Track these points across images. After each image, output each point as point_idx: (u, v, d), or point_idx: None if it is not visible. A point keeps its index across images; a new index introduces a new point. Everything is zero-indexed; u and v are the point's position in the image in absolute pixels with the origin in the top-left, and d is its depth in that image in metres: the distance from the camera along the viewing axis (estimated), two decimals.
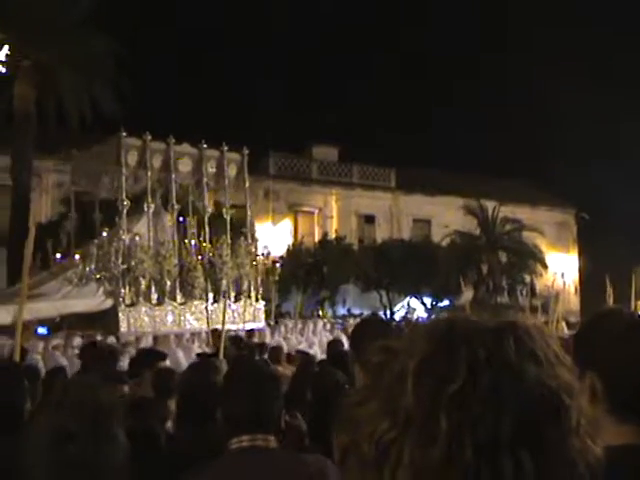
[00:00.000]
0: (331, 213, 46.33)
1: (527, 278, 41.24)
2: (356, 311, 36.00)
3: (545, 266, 42.38)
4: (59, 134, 30.95)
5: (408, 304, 39.57)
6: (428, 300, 39.62)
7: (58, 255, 23.26)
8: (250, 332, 19.98)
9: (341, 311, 36.58)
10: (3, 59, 28.86)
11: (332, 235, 40.88)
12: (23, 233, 25.67)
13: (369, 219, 48.05)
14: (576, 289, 52.24)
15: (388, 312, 37.92)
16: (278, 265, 25.54)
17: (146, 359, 8.43)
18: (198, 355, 12.35)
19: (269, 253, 25.40)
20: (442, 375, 1.07)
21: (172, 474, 3.64)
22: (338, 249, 37.14)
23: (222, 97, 62.22)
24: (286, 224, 42.50)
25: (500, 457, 1.03)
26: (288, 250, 35.78)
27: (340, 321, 28.42)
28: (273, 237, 26.27)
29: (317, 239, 40.77)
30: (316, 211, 45.90)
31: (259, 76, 65.45)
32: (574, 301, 49.66)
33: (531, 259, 41.44)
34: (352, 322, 24.50)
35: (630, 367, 2.27)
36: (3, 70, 28.93)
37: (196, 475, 3.49)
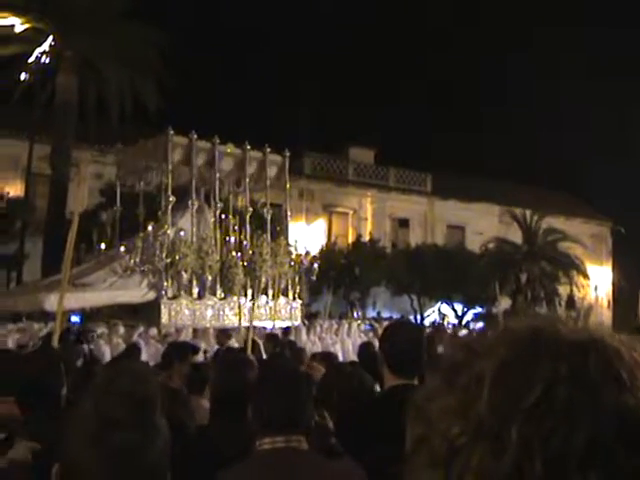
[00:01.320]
0: (365, 215, 46.27)
1: (560, 289, 40.95)
2: (386, 314, 35.98)
3: (587, 277, 42.13)
4: (100, 126, 31.19)
5: (439, 310, 39.46)
6: (459, 307, 39.48)
7: (103, 245, 23.75)
8: (286, 330, 20.21)
9: (371, 313, 36.55)
10: (47, 49, 29.11)
11: (366, 237, 40.85)
12: (60, 223, 26.06)
13: (403, 223, 47.93)
14: (609, 303, 51.84)
15: (418, 317, 37.83)
16: (316, 265, 25.68)
17: (177, 352, 8.48)
18: (227, 350, 12.37)
19: (308, 252, 25.67)
20: (519, 385, 1.03)
21: (204, 470, 3.67)
22: (371, 251, 37.13)
23: (261, 96, 62.28)
24: (320, 224, 42.50)
25: (569, 475, 0.99)
26: (321, 250, 35.77)
27: (369, 323, 28.39)
28: (307, 237, 26.31)
29: (350, 240, 40.78)
30: (350, 212, 45.85)
31: (299, 75, 65.43)
32: (607, 315, 49.27)
33: (573, 270, 41.14)
34: (378, 325, 24.49)
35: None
36: (47, 60, 29.19)
37: (231, 472, 3.51)
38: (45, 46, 28.89)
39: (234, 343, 17.28)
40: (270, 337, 15.09)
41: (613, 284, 52.39)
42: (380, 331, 6.95)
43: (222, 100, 56.87)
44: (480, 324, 35.99)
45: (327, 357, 10.77)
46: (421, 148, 55.16)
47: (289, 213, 25.83)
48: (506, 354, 1.08)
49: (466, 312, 39.30)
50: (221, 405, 4.71)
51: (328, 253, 35.46)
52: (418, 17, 73.20)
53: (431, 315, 38.84)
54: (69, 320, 19.42)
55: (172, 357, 8.29)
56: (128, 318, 20.21)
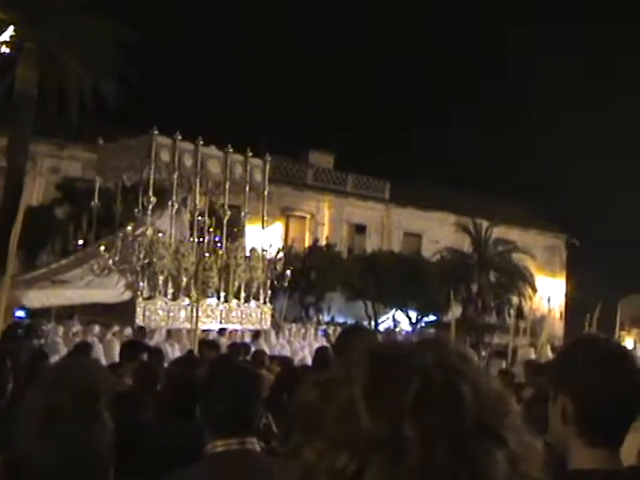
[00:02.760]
0: (323, 220, 46.26)
1: (514, 299, 41.28)
2: (340, 319, 36.00)
3: (535, 289, 42.49)
4: (59, 120, 30.86)
5: (393, 317, 39.54)
6: (414, 314, 39.58)
7: (81, 242, 23.93)
8: (257, 333, 20.86)
9: (325, 318, 36.55)
10: (7, 39, 28.75)
11: (322, 242, 40.81)
12: (14, 216, 25.80)
13: (360, 229, 47.99)
14: (561, 314, 52.31)
15: (372, 323, 37.88)
16: (288, 272, 26.44)
17: (127, 351, 8.39)
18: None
19: (281, 258, 26.38)
20: (395, 386, 1.05)
21: (153, 468, 3.60)
22: (327, 256, 37.09)
23: (223, 94, 62.10)
24: (277, 227, 42.37)
25: (473, 450, 1.03)
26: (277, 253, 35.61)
27: (322, 329, 28.42)
28: (263, 239, 26.42)
29: (307, 244, 40.73)
30: (308, 216, 45.83)
31: (261, 78, 65.46)
32: (559, 326, 49.73)
33: (521, 281, 41.48)
34: (333, 330, 24.67)
35: (601, 393, 2.34)
36: (7, 51, 28.82)
37: (182, 475, 3.41)
38: (5, 36, 28.53)
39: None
40: (210, 344, 14.98)
41: (566, 296, 52.88)
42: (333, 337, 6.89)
43: (183, 97, 56.64)
44: (433, 332, 36.13)
45: (284, 361, 10.73)
46: (380, 155, 55.23)
47: (246, 215, 25.97)
48: (368, 369, 1.09)
49: (420, 319, 39.43)
50: (170, 404, 4.65)
51: (284, 257, 35.36)
52: (379, 21, 73.49)
53: (385, 322, 38.91)
54: (14, 316, 19.25)
55: (122, 356, 8.23)
56: (101, 317, 20.30)
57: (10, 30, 28.42)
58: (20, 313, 20.52)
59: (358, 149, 54.94)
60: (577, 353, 2.47)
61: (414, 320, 39.43)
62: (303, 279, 35.09)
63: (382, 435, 1.02)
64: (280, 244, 38.25)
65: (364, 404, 1.04)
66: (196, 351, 12.35)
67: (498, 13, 76.51)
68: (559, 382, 2.44)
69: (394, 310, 39.68)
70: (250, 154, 25.53)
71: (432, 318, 38.80)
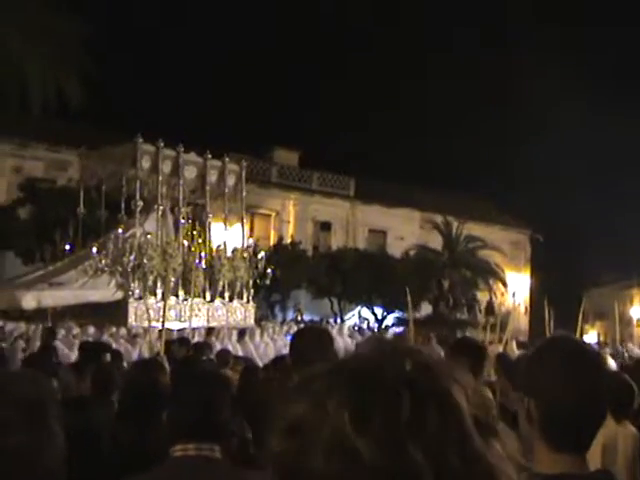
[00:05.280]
0: (288, 217, 46.22)
1: (479, 295, 41.54)
2: (306, 317, 35.96)
3: (505, 284, 42.93)
4: (19, 118, 30.56)
5: (359, 313, 39.59)
6: (379, 311, 39.65)
7: (67, 247, 24.67)
8: (242, 331, 21.10)
9: (291, 316, 36.53)
10: None
11: (287, 240, 40.76)
12: None
13: (325, 226, 47.99)
14: (526, 309, 52.61)
15: (338, 320, 37.89)
16: (269, 270, 27.20)
17: (88, 353, 8.26)
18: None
19: (263, 257, 27.21)
20: (386, 404, 0.95)
21: (111, 476, 3.54)
22: (292, 254, 37.04)
23: (187, 95, 61.85)
24: (237, 226, 42.12)
25: (478, 448, 0.97)
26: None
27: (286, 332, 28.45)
28: (227, 237, 26.69)
29: (272, 243, 40.65)
30: (273, 214, 45.78)
31: (223, 75, 65.20)
32: (524, 320, 50.02)
33: (492, 277, 41.84)
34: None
35: (565, 398, 2.30)
36: None
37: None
38: None
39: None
40: (181, 340, 14.92)
41: (531, 291, 53.23)
42: None
43: (143, 95, 56.24)
44: (400, 329, 36.23)
45: (247, 361, 10.65)
46: (344, 152, 55.26)
47: (210, 214, 26.41)
48: (347, 396, 0.97)
49: (386, 316, 39.49)
50: (129, 409, 4.58)
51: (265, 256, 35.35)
52: (341, 17, 73.53)
53: (351, 319, 38.92)
54: None
55: (84, 358, 8.11)
56: (92, 318, 20.61)
57: None
58: None
59: (323, 146, 54.92)
60: (545, 355, 2.44)
61: (380, 317, 39.49)
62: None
63: (384, 464, 0.92)
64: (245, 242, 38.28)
65: (355, 434, 0.93)
66: (163, 350, 12.20)
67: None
68: (525, 384, 2.40)
69: (360, 307, 39.73)
70: (227, 159, 26.72)
71: (398, 315, 38.87)
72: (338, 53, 72.62)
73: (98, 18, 32.81)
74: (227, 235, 26.86)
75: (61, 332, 17.86)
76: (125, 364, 10.42)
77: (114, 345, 15.88)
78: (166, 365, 6.91)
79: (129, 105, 50.19)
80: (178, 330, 20.40)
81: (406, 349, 1.06)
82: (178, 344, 13.71)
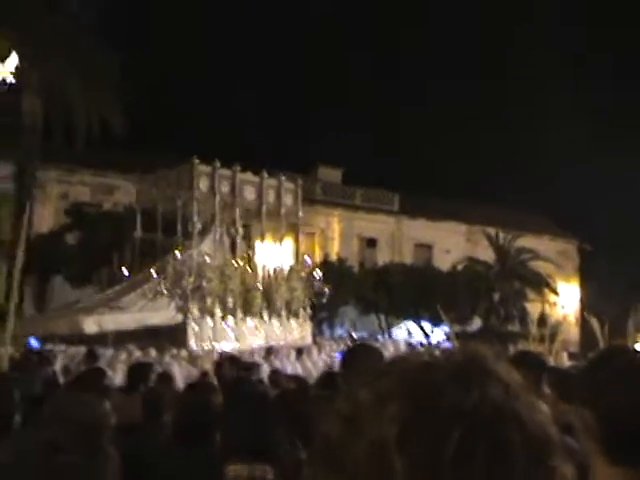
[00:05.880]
0: (333, 235, 46.22)
1: (529, 307, 41.23)
2: (355, 334, 35.89)
3: (557, 294, 42.75)
4: (64, 146, 30.94)
5: (407, 328, 39.45)
6: (427, 325, 39.47)
7: (125, 271, 24.68)
8: (299, 350, 21.47)
9: (339, 332, 36.49)
10: (13, 70, 28.75)
11: (333, 257, 40.75)
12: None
13: (371, 242, 47.94)
14: (576, 320, 52.06)
15: (386, 335, 37.78)
16: (327, 290, 27.01)
17: (139, 374, 8.24)
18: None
19: (320, 277, 27.00)
20: (436, 431, 0.91)
21: None
22: (339, 271, 37.02)
23: (235, 115, 62.07)
24: (288, 244, 42.20)
25: None
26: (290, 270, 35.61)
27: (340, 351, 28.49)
28: (269, 256, 26.85)
29: (318, 260, 40.66)
30: (318, 232, 45.79)
31: (271, 94, 65.48)
32: (574, 332, 49.49)
33: (545, 288, 41.62)
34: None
35: (628, 410, 2.24)
36: (13, 80, 28.83)
37: None
38: (11, 66, 28.54)
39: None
40: (231, 360, 14.95)
41: (581, 301, 52.67)
42: None
43: (190, 118, 56.60)
44: (449, 344, 36.03)
45: (298, 380, 10.60)
46: (389, 167, 55.15)
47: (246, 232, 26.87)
48: (402, 411, 0.94)
49: (434, 330, 39.31)
50: (182, 430, 4.60)
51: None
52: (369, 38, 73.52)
53: (399, 334, 38.78)
54: (29, 344, 19.48)
55: (135, 380, 8.11)
56: (152, 341, 20.76)
57: (15, 60, 28.43)
58: (34, 342, 20.67)
59: (366, 163, 54.87)
60: (605, 367, 2.38)
61: (428, 331, 39.31)
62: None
63: None
64: (292, 260, 38.41)
65: (397, 449, 0.90)
66: (213, 371, 12.22)
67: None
68: (583, 396, 2.36)
69: (407, 322, 39.59)
70: (283, 178, 27.29)
71: (446, 329, 38.67)
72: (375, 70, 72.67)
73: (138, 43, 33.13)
74: (278, 254, 26.98)
75: (123, 355, 18.05)
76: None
77: (176, 367, 16.19)
78: (216, 385, 6.95)
79: (171, 129, 50.54)
80: (239, 350, 20.52)
81: (479, 373, 0.97)
82: (229, 364, 13.73)
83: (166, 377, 9.04)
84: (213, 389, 5.14)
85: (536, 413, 0.98)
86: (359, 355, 4.36)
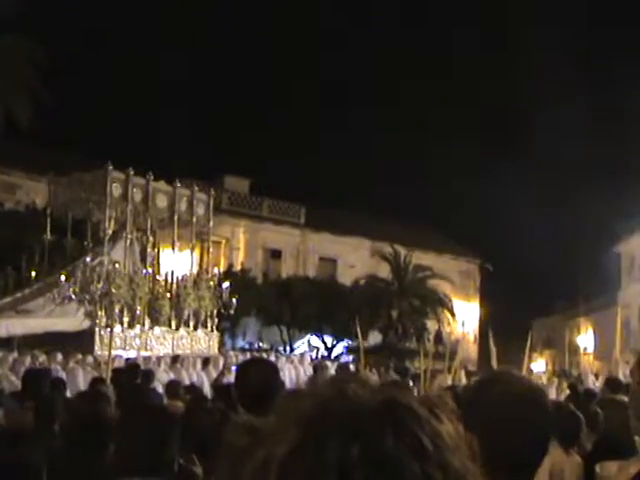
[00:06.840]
0: (238, 245, 46.03)
1: (428, 324, 41.69)
2: (256, 345, 35.83)
3: (453, 314, 43.20)
4: None
5: (309, 342, 39.52)
6: (329, 339, 39.63)
7: (33, 273, 24.32)
8: (206, 359, 21.53)
9: (240, 343, 36.36)
10: None
11: (237, 267, 40.59)
12: None
13: (275, 254, 47.88)
14: (475, 338, 52.88)
15: (288, 348, 37.80)
16: (234, 300, 27.09)
17: (34, 379, 8.05)
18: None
19: (227, 287, 27.12)
20: (311, 472, 0.90)
21: None
22: (242, 281, 36.88)
23: (140, 121, 61.40)
24: (196, 253, 41.79)
25: None
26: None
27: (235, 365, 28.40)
28: (176, 264, 26.58)
29: (222, 269, 40.45)
30: (223, 241, 45.54)
31: (178, 102, 65.05)
32: (473, 349, 50.27)
33: (440, 306, 42.04)
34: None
35: (506, 433, 2.31)
36: None
37: None
38: None
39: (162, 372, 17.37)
40: (131, 367, 14.72)
41: (480, 319, 53.54)
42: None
43: (97, 120, 55.76)
44: (349, 357, 36.23)
45: (193, 391, 10.49)
46: (296, 180, 55.32)
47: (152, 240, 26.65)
48: (294, 435, 0.94)
49: (336, 345, 39.47)
50: (72, 439, 4.48)
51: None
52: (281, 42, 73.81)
53: (301, 347, 38.83)
54: None
55: (29, 386, 7.91)
56: (58, 345, 20.28)
57: None
58: None
59: (273, 174, 54.93)
60: (488, 392, 2.45)
61: (329, 345, 39.45)
62: None
63: None
64: (195, 269, 38.12)
65: (276, 476, 0.91)
66: (109, 379, 11.99)
67: None
68: (470, 419, 2.37)
69: (309, 335, 39.66)
70: (196, 188, 27.44)
71: (346, 343, 38.89)
72: (287, 80, 72.91)
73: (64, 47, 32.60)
74: (187, 263, 26.95)
75: (27, 359, 17.63)
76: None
77: (80, 373, 16.27)
78: (111, 394, 6.79)
79: (80, 127, 49.83)
80: (144, 358, 20.32)
81: (368, 424, 0.95)
82: (127, 372, 13.53)
83: (59, 383, 8.82)
84: (104, 398, 5.03)
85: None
86: (253, 369, 4.42)
